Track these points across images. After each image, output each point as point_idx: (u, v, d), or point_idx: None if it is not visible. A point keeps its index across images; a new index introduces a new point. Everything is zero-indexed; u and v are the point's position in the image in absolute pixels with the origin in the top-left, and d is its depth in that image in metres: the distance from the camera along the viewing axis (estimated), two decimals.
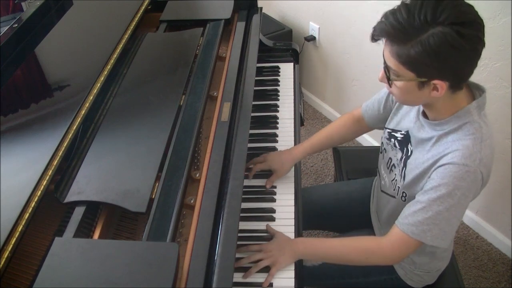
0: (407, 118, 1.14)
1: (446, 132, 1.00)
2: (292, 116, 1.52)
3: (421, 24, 0.85)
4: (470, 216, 2.04)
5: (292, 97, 1.60)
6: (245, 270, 1.08)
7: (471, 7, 0.88)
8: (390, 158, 1.19)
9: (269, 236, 1.16)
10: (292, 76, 1.69)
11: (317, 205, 1.46)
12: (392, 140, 1.17)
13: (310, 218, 1.43)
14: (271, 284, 1.06)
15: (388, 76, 0.96)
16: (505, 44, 1.55)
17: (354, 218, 1.41)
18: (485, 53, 1.48)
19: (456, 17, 0.84)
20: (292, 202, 1.26)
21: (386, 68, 0.96)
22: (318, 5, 2.40)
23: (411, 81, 0.93)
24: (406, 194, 1.10)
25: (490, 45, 1.60)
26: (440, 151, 0.99)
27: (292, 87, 1.64)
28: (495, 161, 1.90)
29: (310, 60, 2.69)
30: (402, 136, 1.14)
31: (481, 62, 1.84)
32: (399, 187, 1.13)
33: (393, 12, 0.89)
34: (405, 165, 1.10)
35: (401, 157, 1.13)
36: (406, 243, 1.03)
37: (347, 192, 1.48)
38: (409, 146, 1.11)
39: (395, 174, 1.15)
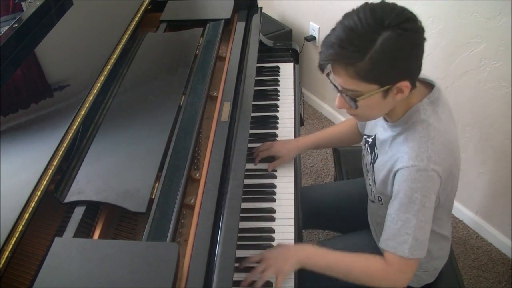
0: (378, 123, 1.15)
1: (398, 133, 1.03)
2: (292, 116, 1.52)
3: (370, 35, 0.86)
4: (470, 216, 2.03)
5: (292, 97, 1.60)
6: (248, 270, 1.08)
7: (396, 4, 0.89)
8: (366, 163, 1.21)
9: (267, 235, 1.16)
10: (292, 76, 1.68)
11: (317, 204, 1.46)
12: (366, 145, 1.20)
13: (309, 218, 1.43)
14: (271, 284, 1.05)
15: (353, 98, 0.94)
16: (505, 44, 1.54)
17: (354, 218, 1.41)
18: (485, 53, 1.48)
19: (397, 17, 0.86)
20: (292, 202, 1.26)
21: (344, 93, 0.95)
22: (318, 5, 2.40)
23: (376, 93, 0.92)
24: (381, 198, 1.11)
25: (490, 45, 1.61)
26: (393, 154, 1.01)
27: (292, 87, 1.64)
28: (495, 161, 1.88)
29: (310, 60, 2.68)
30: (372, 140, 1.16)
31: (481, 62, 1.83)
32: (373, 191, 1.14)
33: (336, 36, 0.88)
34: (373, 170, 1.12)
35: (370, 161, 1.15)
36: (398, 262, 0.99)
37: (347, 192, 1.48)
38: (375, 149, 1.13)
39: (369, 179, 1.18)
